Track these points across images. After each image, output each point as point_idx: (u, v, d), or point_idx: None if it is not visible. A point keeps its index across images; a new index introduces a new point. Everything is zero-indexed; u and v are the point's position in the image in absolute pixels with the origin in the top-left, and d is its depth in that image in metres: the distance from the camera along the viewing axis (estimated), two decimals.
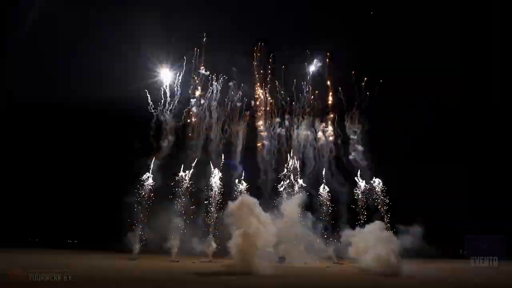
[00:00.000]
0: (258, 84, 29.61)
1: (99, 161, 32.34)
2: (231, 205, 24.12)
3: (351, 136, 28.89)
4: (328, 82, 29.64)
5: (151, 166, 29.06)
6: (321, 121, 29.71)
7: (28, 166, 32.87)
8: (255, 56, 29.87)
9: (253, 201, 24.95)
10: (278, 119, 29.99)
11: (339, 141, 29.25)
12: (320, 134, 29.56)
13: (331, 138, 29.52)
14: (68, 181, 32.39)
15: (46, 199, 32.49)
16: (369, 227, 25.60)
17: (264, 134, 29.93)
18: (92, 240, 33.64)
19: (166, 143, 29.45)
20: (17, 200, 32.04)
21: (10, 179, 31.73)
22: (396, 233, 25.11)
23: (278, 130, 29.93)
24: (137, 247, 28.34)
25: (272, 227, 25.01)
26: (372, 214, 26.74)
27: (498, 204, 31.59)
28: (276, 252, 25.26)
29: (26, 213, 32.73)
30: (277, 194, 28.56)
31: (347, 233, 26.30)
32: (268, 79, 29.65)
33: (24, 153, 32.99)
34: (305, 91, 29.54)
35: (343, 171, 28.83)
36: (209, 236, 28.08)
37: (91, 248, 31.90)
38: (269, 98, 29.72)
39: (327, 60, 29.31)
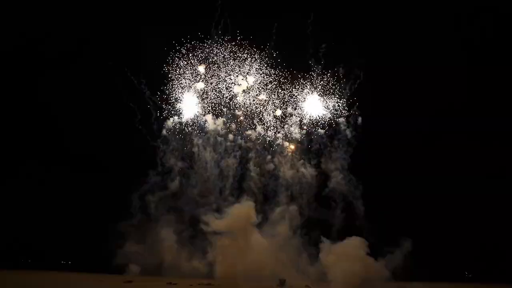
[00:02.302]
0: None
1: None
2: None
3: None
4: None
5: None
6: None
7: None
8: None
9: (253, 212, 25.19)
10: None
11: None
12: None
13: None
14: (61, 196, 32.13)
15: (38, 215, 32.32)
16: (347, 242, 24.86)
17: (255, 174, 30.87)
18: (86, 260, 32.78)
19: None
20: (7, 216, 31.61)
21: None
22: (379, 252, 24.79)
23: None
24: (133, 267, 28.11)
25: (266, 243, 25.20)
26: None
27: None
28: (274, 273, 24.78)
29: (17, 232, 32.26)
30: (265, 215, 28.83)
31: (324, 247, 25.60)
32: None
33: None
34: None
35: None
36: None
37: (85, 269, 31.22)
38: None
39: None
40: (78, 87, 32.50)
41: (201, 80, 30.02)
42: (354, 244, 24.52)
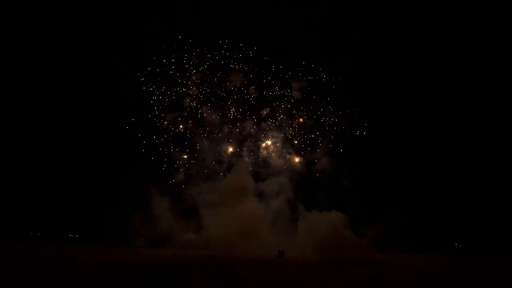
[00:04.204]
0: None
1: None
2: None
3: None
4: None
5: None
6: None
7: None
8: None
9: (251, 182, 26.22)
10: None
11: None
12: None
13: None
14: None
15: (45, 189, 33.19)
16: (326, 213, 25.18)
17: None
18: (93, 233, 34.49)
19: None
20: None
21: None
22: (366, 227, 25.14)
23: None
24: (139, 240, 28.76)
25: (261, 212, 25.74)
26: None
27: None
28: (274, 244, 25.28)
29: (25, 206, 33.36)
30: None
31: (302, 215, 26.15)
32: None
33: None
34: None
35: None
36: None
37: (93, 242, 32.72)
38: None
39: None
40: (79, 87, 32.78)
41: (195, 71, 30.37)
42: (332, 215, 25.10)
